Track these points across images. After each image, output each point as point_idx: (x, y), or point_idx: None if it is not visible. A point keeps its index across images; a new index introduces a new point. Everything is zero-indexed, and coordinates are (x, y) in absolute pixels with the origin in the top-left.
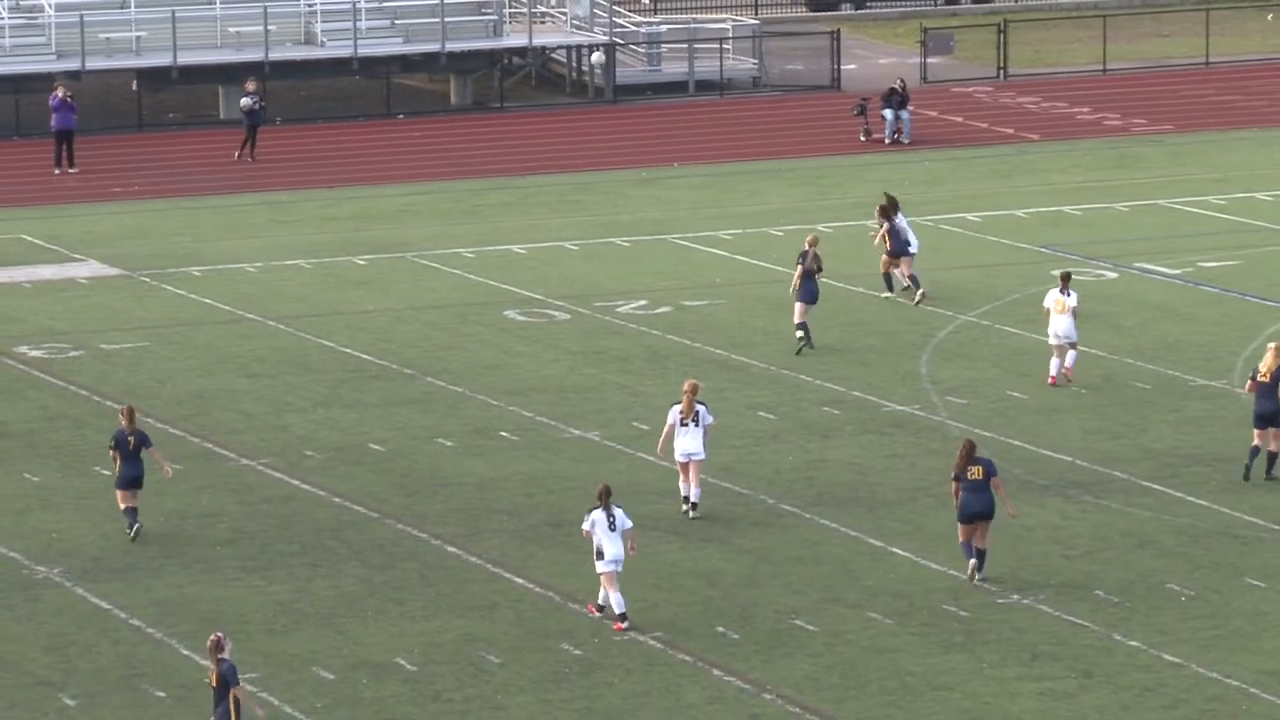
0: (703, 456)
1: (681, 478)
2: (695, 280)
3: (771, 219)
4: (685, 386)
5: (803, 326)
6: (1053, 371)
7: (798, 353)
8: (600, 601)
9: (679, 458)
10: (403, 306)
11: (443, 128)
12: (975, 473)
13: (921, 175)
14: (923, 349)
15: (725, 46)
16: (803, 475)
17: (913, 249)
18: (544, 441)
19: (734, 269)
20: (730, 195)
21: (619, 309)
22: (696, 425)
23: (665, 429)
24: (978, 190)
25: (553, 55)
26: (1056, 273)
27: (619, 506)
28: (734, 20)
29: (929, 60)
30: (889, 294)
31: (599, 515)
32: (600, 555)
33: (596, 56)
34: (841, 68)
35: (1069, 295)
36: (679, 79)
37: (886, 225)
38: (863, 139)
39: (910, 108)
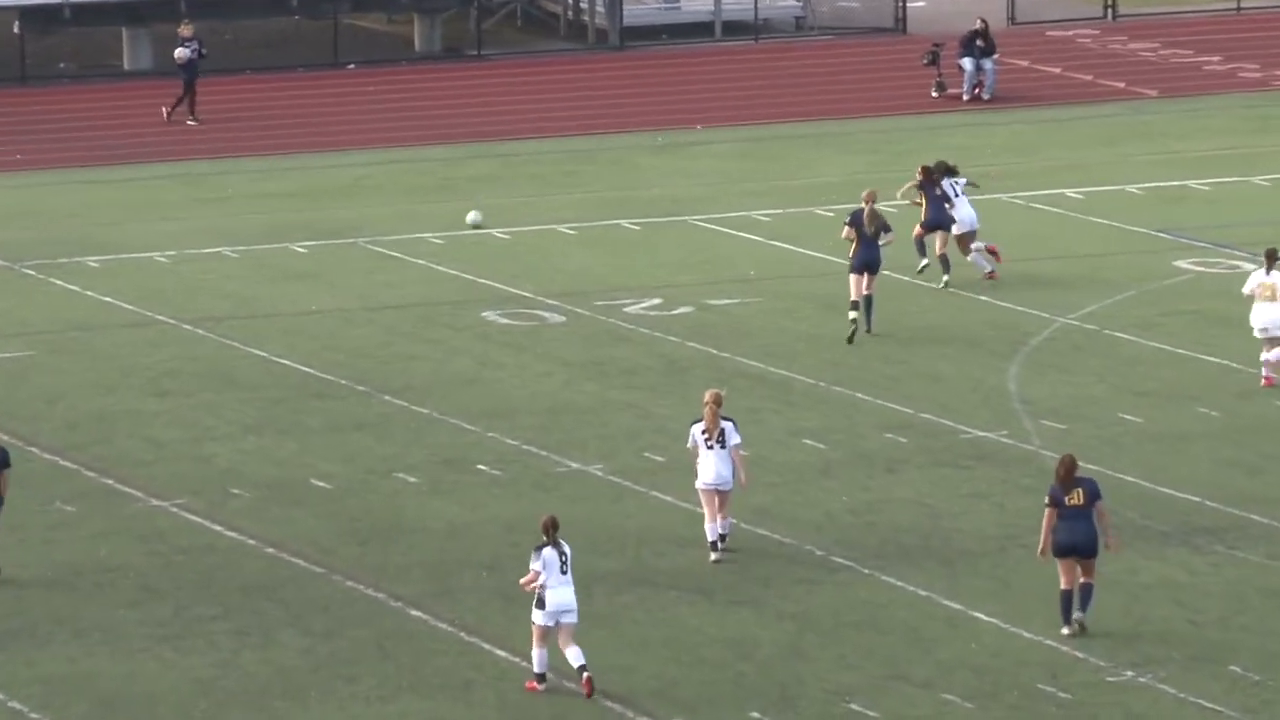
0: (732, 485)
1: (707, 516)
2: (723, 273)
3: (819, 196)
4: (706, 397)
5: (856, 305)
6: (1266, 372)
7: (849, 339)
8: (538, 669)
9: (703, 486)
10: (355, 306)
11: (405, 81)
12: (1076, 497)
13: (1008, 140)
14: (1010, 359)
15: None
16: (860, 519)
17: (960, 226)
18: (532, 476)
19: (772, 258)
20: (768, 166)
21: (627, 309)
22: (723, 446)
23: (693, 452)
24: (1079, 160)
25: None
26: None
27: (566, 541)
28: None
29: None
30: (939, 276)
31: (550, 555)
32: (541, 604)
33: None
34: (908, 5)
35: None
36: (703, 19)
37: (922, 190)
38: (935, 95)
39: (995, 56)
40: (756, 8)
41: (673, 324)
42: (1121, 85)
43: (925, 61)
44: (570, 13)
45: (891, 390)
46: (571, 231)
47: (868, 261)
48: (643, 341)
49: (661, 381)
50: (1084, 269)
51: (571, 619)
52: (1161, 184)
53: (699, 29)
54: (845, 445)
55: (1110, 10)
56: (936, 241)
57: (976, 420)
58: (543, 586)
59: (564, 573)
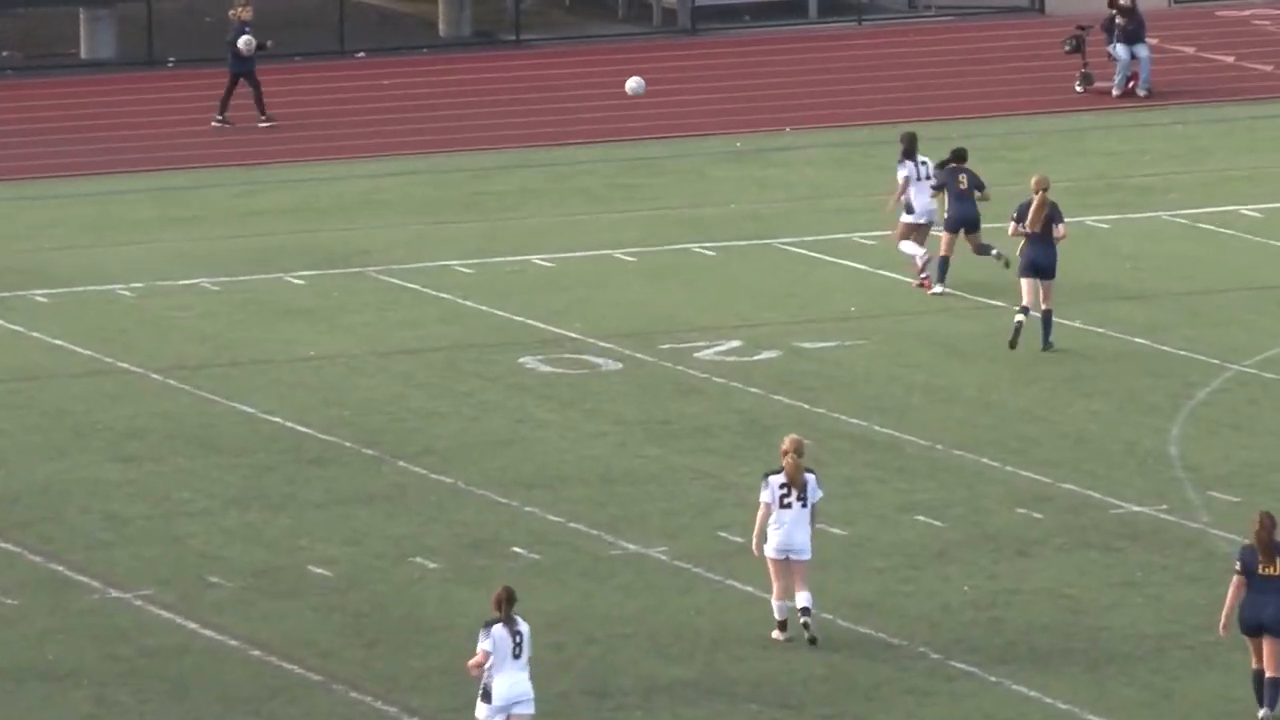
0: (809, 555)
1: (775, 590)
2: (818, 309)
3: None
4: (785, 444)
5: (1026, 310)
6: None
7: (1012, 343)
8: None
9: (773, 554)
10: (363, 350)
11: (427, 73)
12: (1274, 567)
13: (1169, 145)
14: (1173, 416)
15: None
16: (985, 614)
17: (915, 216)
18: (581, 561)
19: (878, 291)
20: (872, 177)
21: (699, 354)
22: (804, 504)
23: (760, 511)
24: (1258, 170)
25: None
26: None
27: (521, 620)
28: None
29: None
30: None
31: (501, 635)
32: (487, 695)
33: None
34: None
35: None
36: None
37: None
38: (1079, 89)
39: (1151, 41)
40: None
41: (755, 372)
42: None
43: (1067, 49)
44: None
45: (1025, 455)
46: (630, 258)
47: (1038, 264)
48: (718, 394)
49: (741, 444)
50: (1265, 304)
51: (526, 710)
52: None
53: (789, 8)
54: (967, 522)
55: None
56: (941, 242)
57: (1130, 492)
58: (490, 673)
59: (517, 657)
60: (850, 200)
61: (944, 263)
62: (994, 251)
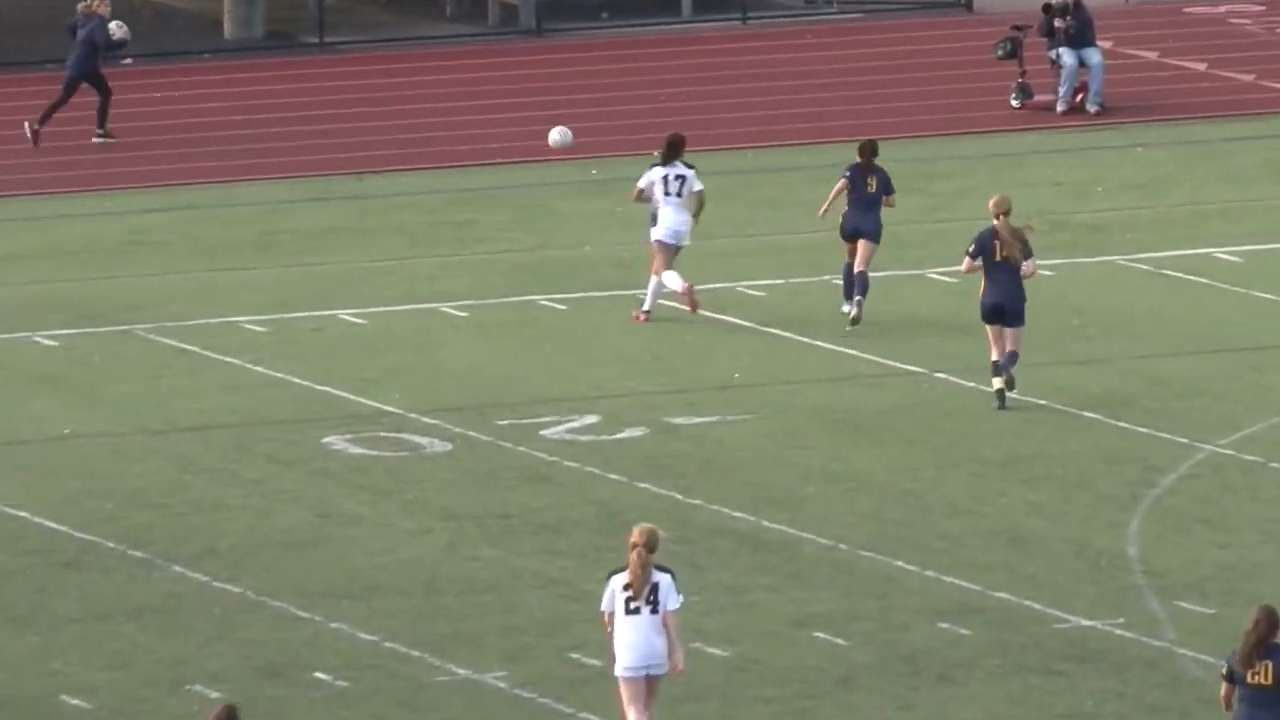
0: (665, 669)
1: (631, 712)
2: (694, 375)
3: (833, 258)
4: (634, 535)
5: (1000, 368)
6: None
7: (1000, 403)
8: None
9: (624, 671)
10: (130, 428)
11: (210, 83)
12: (1262, 674)
13: (1129, 174)
14: (1131, 507)
15: None
16: None
17: (663, 233)
18: (398, 690)
19: (769, 354)
20: (760, 213)
21: (546, 432)
22: (654, 610)
23: (604, 619)
24: (1236, 202)
25: None
26: None
27: None
28: None
29: None
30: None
31: None
32: None
33: None
34: None
35: None
36: None
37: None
38: (1016, 104)
39: (1104, 44)
40: None
41: (616, 454)
42: None
43: (1000, 54)
44: None
45: (949, 557)
46: (460, 313)
47: (1002, 306)
48: (570, 482)
49: (598, 544)
50: (1242, 370)
51: None
52: None
53: (658, 3)
54: (878, 640)
55: None
56: (860, 252)
57: (1079, 602)
58: None
59: None
60: (733, 242)
61: (860, 277)
62: (855, 301)
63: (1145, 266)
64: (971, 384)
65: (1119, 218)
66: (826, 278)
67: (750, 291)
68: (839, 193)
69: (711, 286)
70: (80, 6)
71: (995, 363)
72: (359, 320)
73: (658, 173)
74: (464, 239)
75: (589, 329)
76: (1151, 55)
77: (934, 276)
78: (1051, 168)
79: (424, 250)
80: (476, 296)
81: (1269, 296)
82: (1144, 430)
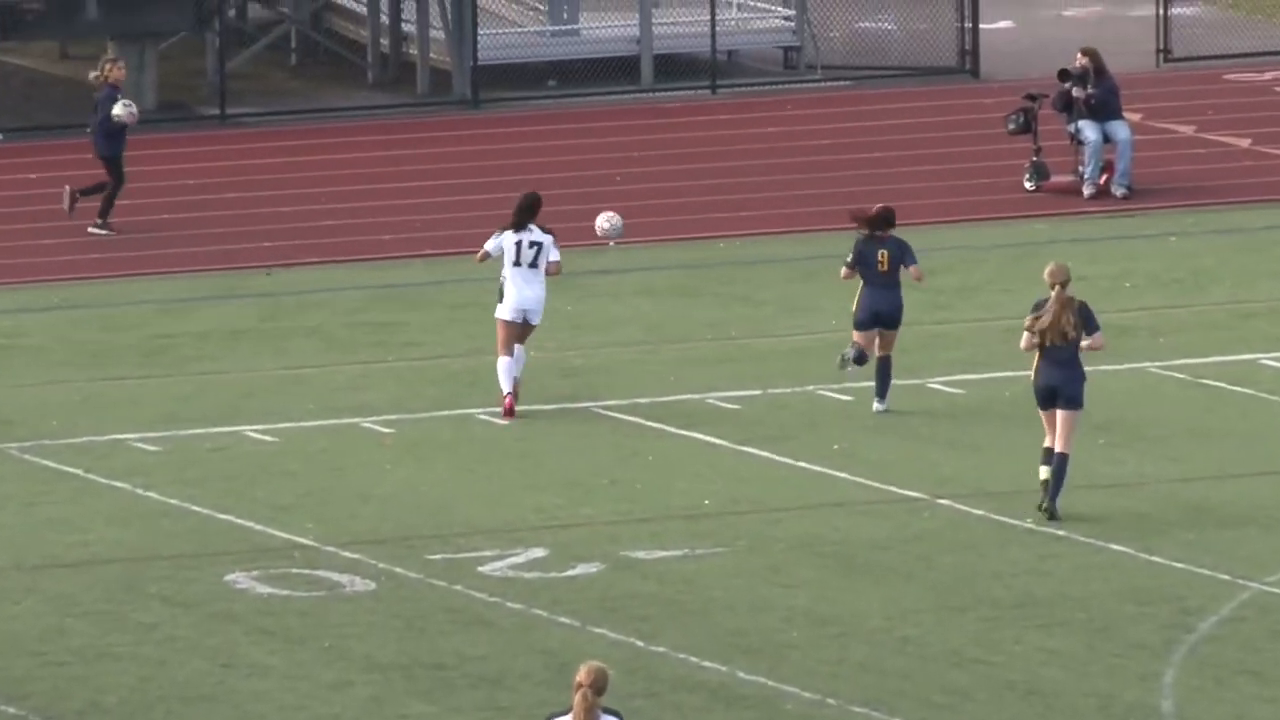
0: None
1: None
2: (656, 502)
3: (813, 366)
4: (579, 674)
5: (1051, 456)
6: None
7: (1042, 507)
8: None
9: None
10: (1, 564)
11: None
12: None
13: (1160, 267)
14: (1166, 656)
15: None
16: None
17: (516, 308)
18: None
19: (744, 476)
20: (734, 311)
21: (486, 568)
22: None
23: None
24: None
25: (339, 2)
26: None
27: None
28: None
29: (1174, 10)
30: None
31: None
32: None
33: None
34: (981, 28)
35: None
36: (620, 52)
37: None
38: (1030, 186)
39: (1132, 117)
40: (714, 33)
41: (567, 594)
42: None
43: (1011, 128)
44: (384, 43)
45: (956, 712)
46: (384, 429)
47: (1058, 388)
48: (513, 626)
49: (546, 698)
50: None
51: None
52: None
53: (615, 68)
54: None
55: None
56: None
57: None
58: None
59: None
60: (700, 346)
61: (882, 365)
62: (879, 405)
63: (1181, 375)
64: (979, 512)
65: (1150, 318)
66: (811, 388)
67: (722, 404)
68: (850, 279)
69: (678, 398)
70: (92, 76)
71: (1047, 449)
72: (267, 438)
73: (509, 238)
74: (389, 342)
75: (534, 447)
76: (1187, 130)
77: (935, 386)
78: (1072, 260)
79: (342, 356)
80: (403, 410)
81: None
82: (1180, 566)
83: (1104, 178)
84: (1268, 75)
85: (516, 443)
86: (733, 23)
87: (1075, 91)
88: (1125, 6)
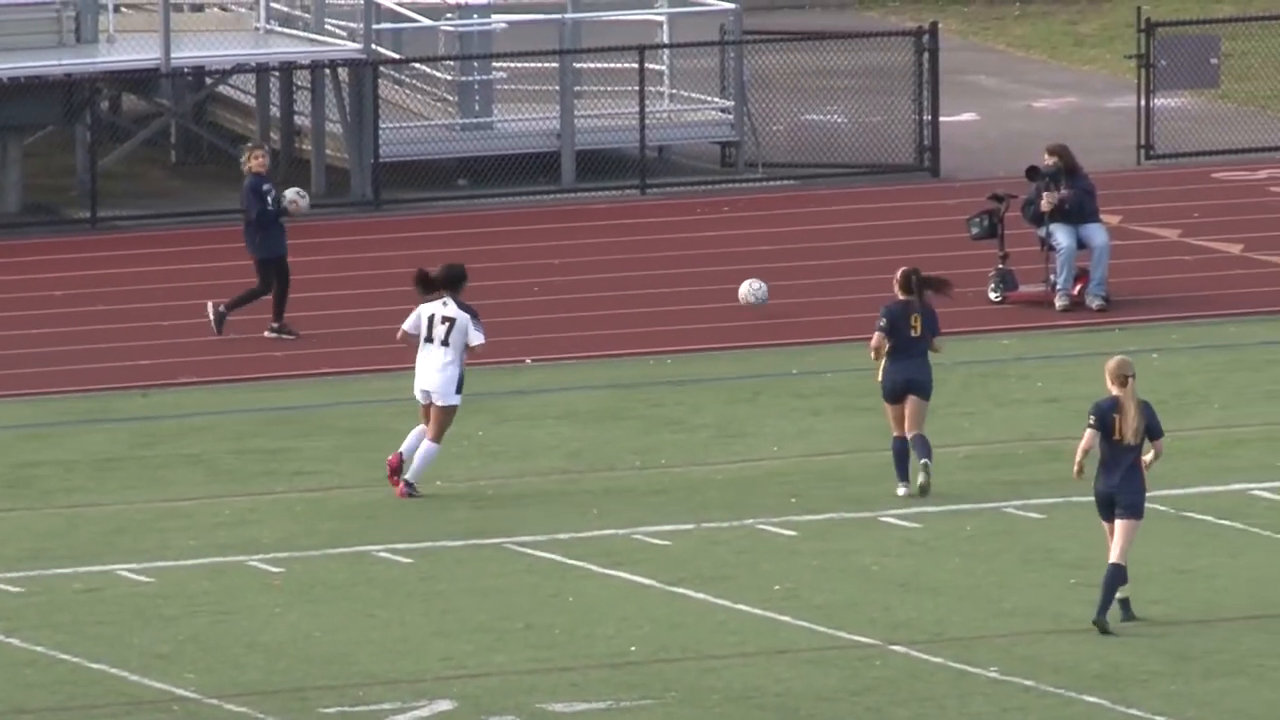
0: None
1: None
2: (577, 649)
3: (767, 481)
4: None
5: (1117, 573)
6: None
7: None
8: None
9: None
10: None
11: None
12: None
13: (1141, 387)
14: None
15: (654, 69)
16: None
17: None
18: None
19: (675, 620)
20: (663, 437)
21: None
22: None
23: None
24: (1278, 425)
25: (226, 91)
26: None
27: None
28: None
29: (1157, 101)
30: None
31: None
32: None
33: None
34: (941, 121)
35: None
36: (539, 148)
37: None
38: (995, 296)
39: (1110, 220)
40: (643, 127)
41: None
42: None
43: (975, 232)
44: (275, 138)
45: None
46: (274, 568)
47: (1118, 497)
48: None
49: None
50: None
51: None
52: None
53: (531, 167)
54: None
55: None
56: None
57: None
58: None
59: None
60: (627, 475)
61: (919, 441)
62: (921, 465)
63: (1163, 507)
64: (938, 660)
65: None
66: (750, 522)
67: (652, 540)
68: (879, 348)
69: (602, 533)
70: (243, 164)
71: (1117, 564)
72: (143, 578)
73: (425, 310)
74: (278, 472)
75: (441, 588)
76: (1172, 234)
77: (889, 520)
78: (1042, 380)
79: (227, 487)
80: (295, 547)
81: None
82: None
83: (1078, 288)
84: (1261, 174)
85: (421, 583)
86: (664, 115)
87: (1043, 203)
88: (1102, 97)
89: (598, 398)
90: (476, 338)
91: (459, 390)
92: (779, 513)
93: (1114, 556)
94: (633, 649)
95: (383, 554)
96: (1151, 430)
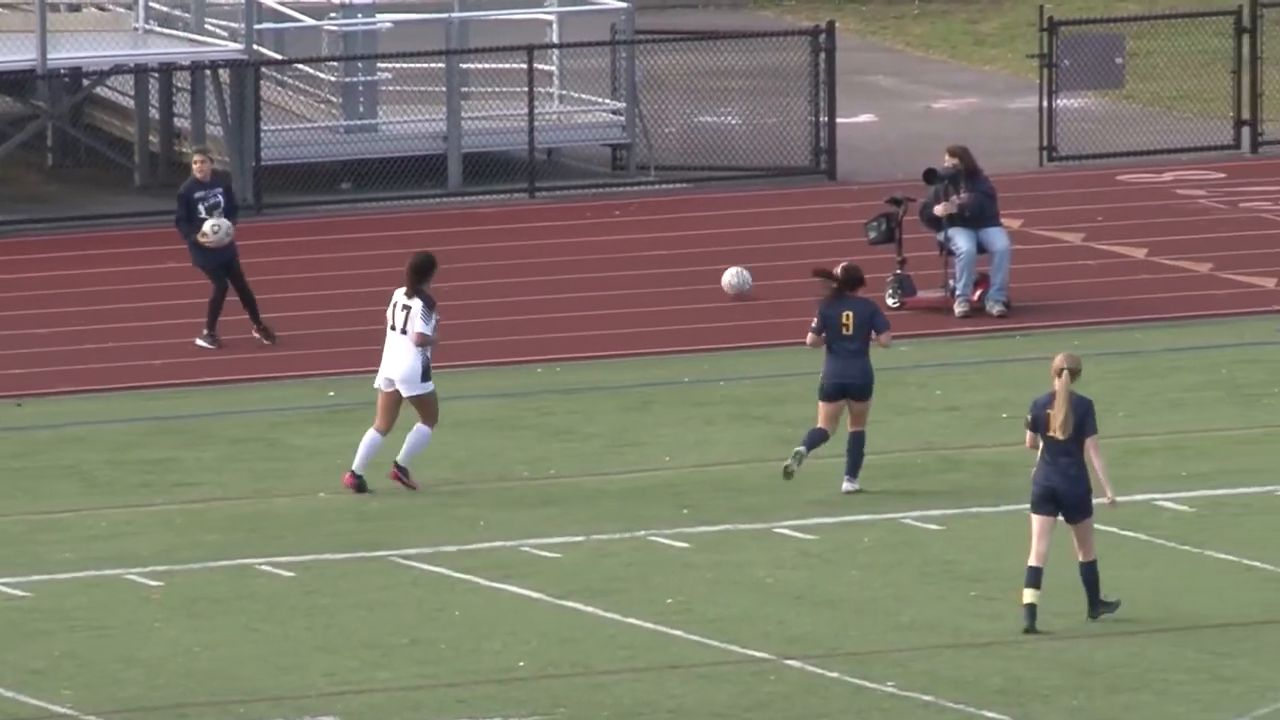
0: None
1: None
2: (464, 664)
3: (660, 491)
4: None
5: (1034, 576)
6: None
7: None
8: None
9: None
10: None
11: None
12: None
13: (1042, 392)
14: None
15: (543, 70)
16: None
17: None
18: None
19: (567, 635)
20: (552, 446)
21: None
22: None
23: None
24: (1183, 433)
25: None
26: None
27: None
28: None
29: (1060, 102)
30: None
31: None
32: None
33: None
34: (838, 123)
35: None
36: (426, 151)
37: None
38: (892, 302)
39: (1010, 224)
40: (532, 129)
41: None
42: (1272, 285)
43: (872, 236)
44: (154, 141)
45: None
46: (153, 581)
47: (1059, 494)
48: None
49: None
50: (1193, 655)
51: None
52: None
53: (417, 170)
54: None
55: (1248, 130)
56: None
57: None
58: None
59: None
60: (516, 486)
61: (854, 440)
62: (850, 484)
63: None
64: (834, 674)
65: (1031, 455)
66: (642, 534)
67: (541, 552)
68: (817, 346)
69: (490, 546)
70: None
71: (1032, 568)
72: (18, 592)
73: (393, 299)
74: (159, 483)
75: (324, 603)
76: (1075, 238)
77: (784, 532)
78: (941, 387)
79: (105, 499)
80: (174, 560)
81: (1228, 558)
82: None
83: (978, 293)
84: (1167, 176)
85: (304, 597)
86: (554, 117)
87: (938, 210)
88: (1003, 98)
89: (486, 406)
90: (420, 324)
91: (425, 378)
92: (672, 524)
93: (1080, 557)
94: (521, 664)
95: (265, 567)
96: (1080, 427)
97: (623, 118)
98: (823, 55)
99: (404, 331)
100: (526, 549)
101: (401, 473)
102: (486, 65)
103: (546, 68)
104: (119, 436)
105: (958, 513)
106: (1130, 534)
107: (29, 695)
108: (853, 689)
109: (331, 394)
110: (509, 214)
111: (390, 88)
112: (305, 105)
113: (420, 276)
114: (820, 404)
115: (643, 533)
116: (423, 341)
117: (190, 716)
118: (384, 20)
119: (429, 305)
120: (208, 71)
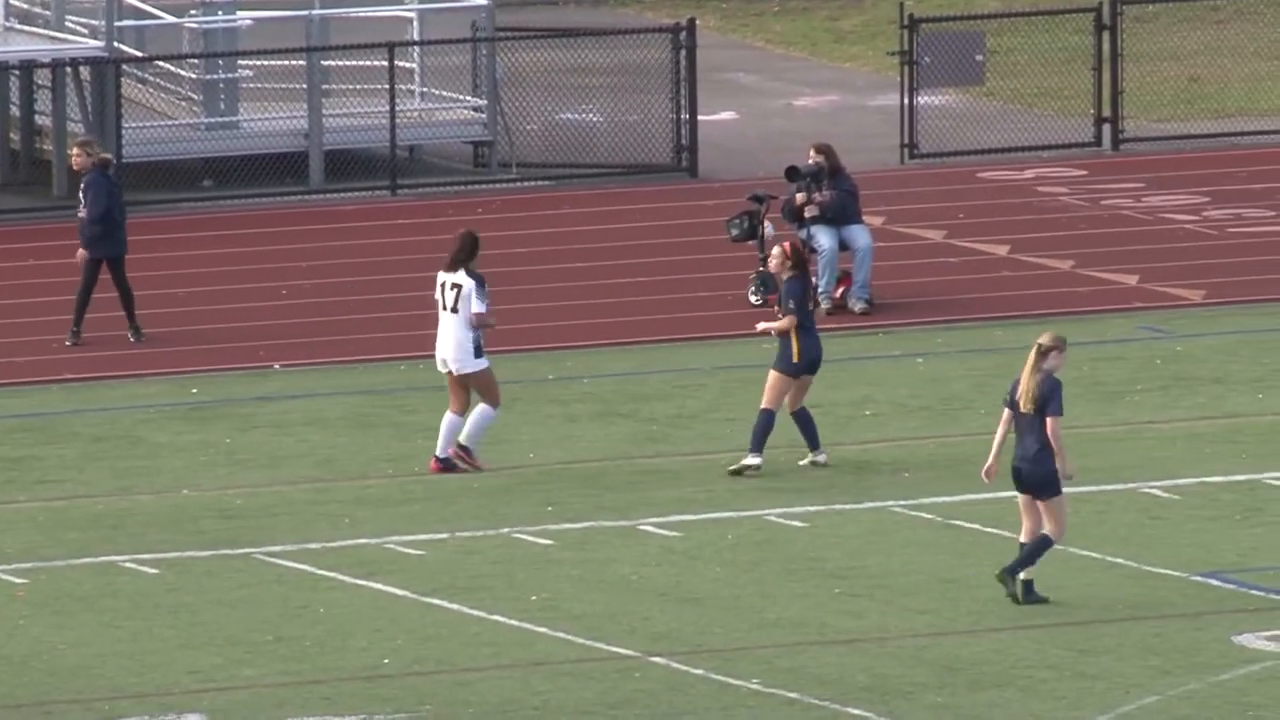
0: None
1: None
2: (329, 661)
3: (524, 488)
4: None
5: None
6: None
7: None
8: None
9: None
10: None
11: None
12: None
13: (905, 392)
14: None
15: (404, 67)
16: None
17: None
18: None
19: (432, 632)
20: (416, 444)
21: None
22: None
23: None
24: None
25: None
26: None
27: None
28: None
29: (920, 99)
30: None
31: None
32: None
33: None
34: (700, 120)
35: None
36: (287, 148)
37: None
38: (755, 299)
39: (873, 221)
40: (394, 126)
41: None
42: (1133, 282)
43: (734, 234)
44: (14, 138)
45: None
46: (16, 579)
47: (1024, 474)
48: None
49: None
50: (1046, 652)
51: None
52: (1231, 477)
53: (279, 167)
54: None
55: (1108, 128)
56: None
57: None
58: None
59: None
60: (379, 484)
61: (803, 416)
62: (821, 456)
63: (929, 515)
64: (699, 672)
65: (895, 451)
66: (506, 531)
67: (405, 549)
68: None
69: (354, 543)
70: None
71: (1021, 545)
72: None
73: (439, 279)
74: (19, 481)
75: (188, 600)
76: (936, 235)
77: (648, 529)
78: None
79: None
80: (38, 557)
81: (1091, 554)
82: None
83: (840, 290)
84: (1028, 173)
85: (168, 594)
86: (415, 114)
87: (800, 199)
88: (864, 95)
89: (348, 403)
90: (477, 305)
91: (478, 355)
92: (536, 521)
93: (1045, 530)
94: (386, 661)
95: (129, 564)
96: (1044, 403)
97: (484, 115)
98: (683, 52)
99: (454, 310)
100: (390, 546)
101: (465, 453)
102: (348, 62)
103: (408, 65)
104: None
105: (821, 509)
106: (994, 531)
107: None
108: (718, 686)
109: (194, 391)
110: (371, 211)
111: (251, 85)
112: (166, 102)
113: (468, 255)
114: (788, 380)
115: (506, 530)
116: (481, 322)
117: (55, 714)
118: (245, 17)
119: (481, 284)
120: (68, 69)
